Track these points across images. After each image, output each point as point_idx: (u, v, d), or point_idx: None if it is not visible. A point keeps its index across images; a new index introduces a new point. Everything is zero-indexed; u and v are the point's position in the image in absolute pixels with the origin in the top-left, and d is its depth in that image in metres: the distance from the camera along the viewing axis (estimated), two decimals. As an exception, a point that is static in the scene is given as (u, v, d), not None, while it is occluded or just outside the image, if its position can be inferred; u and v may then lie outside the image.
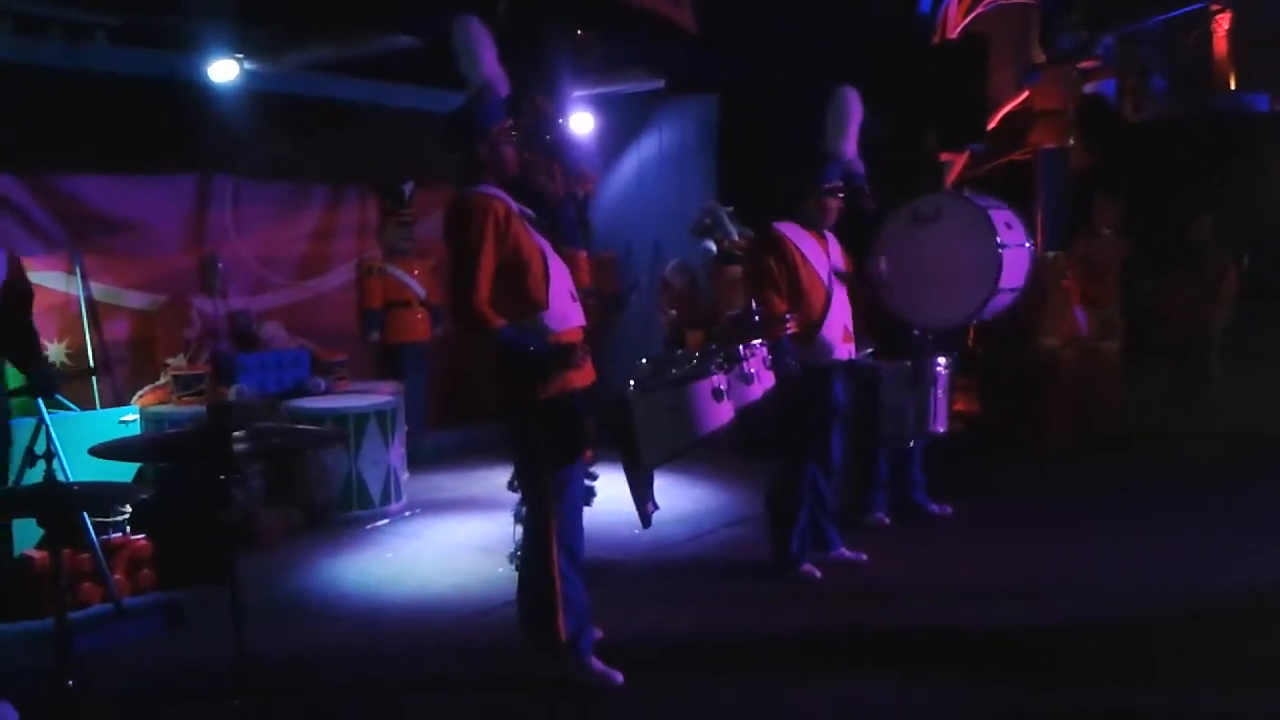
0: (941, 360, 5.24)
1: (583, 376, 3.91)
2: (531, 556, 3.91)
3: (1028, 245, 5.78)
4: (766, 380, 4.41)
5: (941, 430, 5.46)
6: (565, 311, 3.86)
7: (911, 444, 5.95)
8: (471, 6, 3.93)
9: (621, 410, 3.99)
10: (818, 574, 5.11)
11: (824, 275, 5.03)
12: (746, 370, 4.24)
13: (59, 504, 2.92)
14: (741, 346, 4.26)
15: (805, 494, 5.10)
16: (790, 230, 5.04)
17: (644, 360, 4.81)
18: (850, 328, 5.15)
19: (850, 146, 5.21)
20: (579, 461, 3.97)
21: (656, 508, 4.14)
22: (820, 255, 5.07)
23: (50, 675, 3.04)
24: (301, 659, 4.30)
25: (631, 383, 4.08)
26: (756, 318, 4.57)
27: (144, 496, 4.98)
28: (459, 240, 3.71)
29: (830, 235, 5.19)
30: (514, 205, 3.81)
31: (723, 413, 4.01)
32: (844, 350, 5.10)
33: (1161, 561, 5.32)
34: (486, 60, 3.79)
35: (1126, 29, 13.17)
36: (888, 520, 6.03)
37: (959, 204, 5.72)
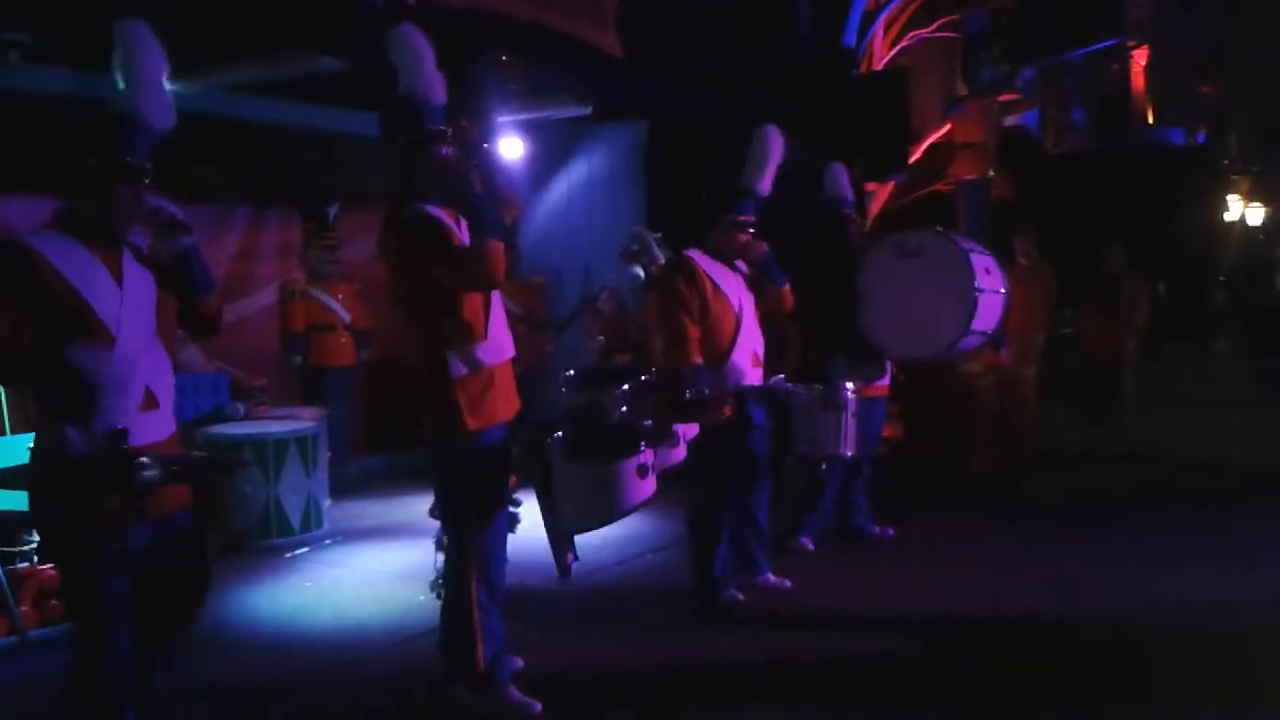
0: (849, 385, 5.31)
1: (509, 408, 3.88)
2: (450, 586, 3.87)
3: (1002, 291, 5.89)
4: (691, 433, 4.46)
5: (849, 454, 5.49)
6: (500, 343, 3.83)
7: (824, 467, 5.99)
8: (392, 28, 3.89)
9: (543, 465, 3.97)
10: (741, 598, 5.12)
11: (734, 302, 5.09)
12: (674, 435, 4.29)
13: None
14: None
15: (726, 518, 5.11)
16: (701, 258, 5.09)
17: (571, 372, 4.79)
18: (760, 354, 5.20)
19: (766, 184, 5.24)
20: (505, 502, 3.95)
21: (576, 559, 4.13)
22: (731, 283, 5.12)
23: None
24: (210, 690, 4.20)
25: (557, 436, 4.06)
26: (689, 394, 4.64)
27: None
28: (407, 257, 3.66)
29: (741, 265, 5.24)
30: (457, 228, 3.76)
31: (646, 488, 4.04)
32: (754, 376, 5.15)
33: (1086, 581, 5.42)
34: (426, 67, 3.72)
35: (1046, 62, 13.49)
36: (812, 547, 6.06)
37: (942, 243, 5.85)
